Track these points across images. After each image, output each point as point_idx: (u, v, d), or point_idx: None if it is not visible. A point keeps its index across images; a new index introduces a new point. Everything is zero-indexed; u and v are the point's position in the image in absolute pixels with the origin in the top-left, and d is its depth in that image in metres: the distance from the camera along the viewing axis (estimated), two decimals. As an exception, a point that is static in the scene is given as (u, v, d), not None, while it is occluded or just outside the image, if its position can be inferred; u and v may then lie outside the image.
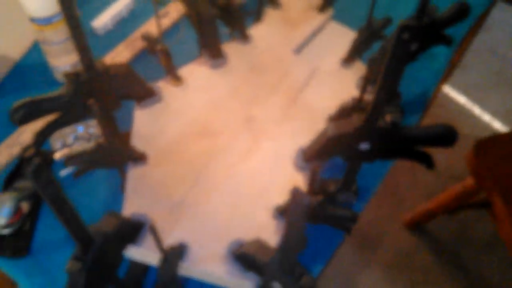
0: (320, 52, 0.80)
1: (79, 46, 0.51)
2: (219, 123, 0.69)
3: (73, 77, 0.54)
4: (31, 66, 0.81)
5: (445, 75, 1.22)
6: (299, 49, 0.80)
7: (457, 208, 1.34)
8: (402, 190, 1.61)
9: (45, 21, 0.68)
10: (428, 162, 0.58)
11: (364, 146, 0.56)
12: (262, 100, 0.72)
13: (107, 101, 0.60)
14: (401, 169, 1.64)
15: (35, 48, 0.82)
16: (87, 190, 0.67)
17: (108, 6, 0.88)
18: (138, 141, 0.65)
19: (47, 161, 0.69)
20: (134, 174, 0.62)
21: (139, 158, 0.63)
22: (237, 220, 0.60)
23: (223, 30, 0.76)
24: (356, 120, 0.54)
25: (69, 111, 0.58)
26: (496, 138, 1.15)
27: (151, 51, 0.72)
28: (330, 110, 0.69)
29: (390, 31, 0.68)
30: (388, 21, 0.74)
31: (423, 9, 0.60)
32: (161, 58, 0.70)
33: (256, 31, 0.80)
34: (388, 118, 0.54)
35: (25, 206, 0.64)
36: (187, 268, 0.55)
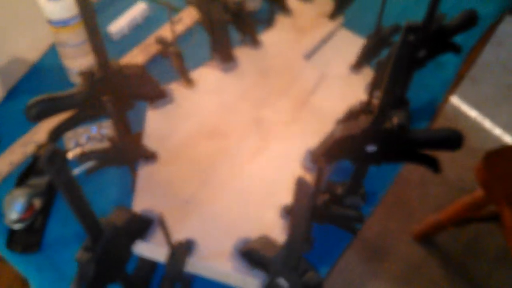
0: (329, 58, 0.81)
1: (95, 43, 0.52)
2: (228, 124, 0.70)
3: (88, 75, 0.56)
4: (47, 68, 0.83)
5: (454, 86, 1.22)
6: (309, 55, 0.81)
7: (466, 220, 1.33)
8: (412, 203, 1.60)
9: (62, 23, 0.70)
10: (434, 166, 0.58)
11: (371, 148, 0.56)
12: (271, 102, 0.73)
13: (121, 100, 0.61)
14: (412, 182, 1.63)
15: (52, 51, 0.84)
16: (98, 188, 0.68)
17: (123, 12, 0.90)
18: (149, 141, 0.66)
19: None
20: (144, 172, 0.63)
21: (150, 157, 0.64)
22: (245, 219, 0.60)
23: (235, 35, 0.78)
24: (363, 122, 0.54)
25: (84, 108, 0.59)
26: (506, 150, 1.14)
27: (165, 54, 0.74)
28: (338, 114, 0.70)
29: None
30: (396, 29, 0.75)
31: (431, 15, 0.61)
32: (174, 61, 0.72)
33: (267, 37, 0.82)
34: (395, 120, 0.54)
35: (37, 203, 0.65)
36: (194, 264, 0.56)
